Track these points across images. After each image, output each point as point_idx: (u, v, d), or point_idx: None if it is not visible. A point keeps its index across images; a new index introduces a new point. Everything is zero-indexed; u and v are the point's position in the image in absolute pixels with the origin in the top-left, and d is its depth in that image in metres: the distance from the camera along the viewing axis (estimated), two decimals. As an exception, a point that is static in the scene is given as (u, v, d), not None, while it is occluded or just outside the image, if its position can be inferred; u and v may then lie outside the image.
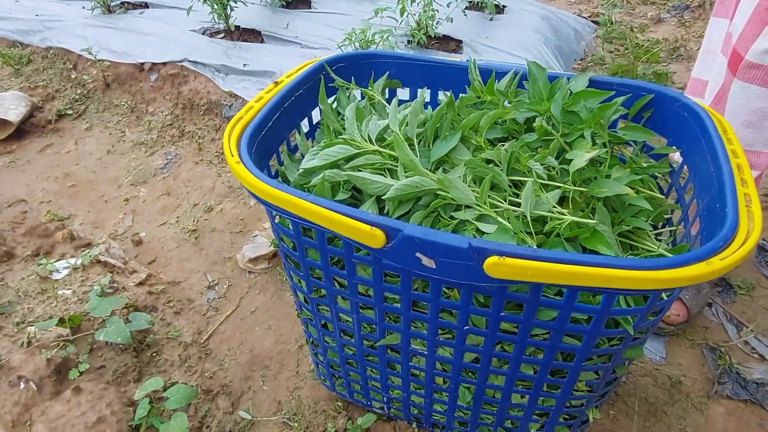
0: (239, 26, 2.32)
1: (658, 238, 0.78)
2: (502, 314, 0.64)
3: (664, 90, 0.78)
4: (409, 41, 2.16)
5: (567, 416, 0.84)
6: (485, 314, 0.65)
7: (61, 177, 1.85)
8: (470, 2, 2.54)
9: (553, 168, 0.73)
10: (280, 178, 0.84)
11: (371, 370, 0.89)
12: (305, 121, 0.90)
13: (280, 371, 1.17)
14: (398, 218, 0.71)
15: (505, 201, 0.69)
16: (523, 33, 2.26)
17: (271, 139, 0.78)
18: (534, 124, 0.77)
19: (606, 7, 2.87)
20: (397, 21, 2.17)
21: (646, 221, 0.71)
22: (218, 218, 1.62)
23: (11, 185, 1.80)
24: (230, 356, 1.20)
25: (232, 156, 0.67)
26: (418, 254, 0.58)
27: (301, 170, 0.77)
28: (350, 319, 0.80)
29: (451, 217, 0.69)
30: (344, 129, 0.80)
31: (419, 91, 0.93)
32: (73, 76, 2.28)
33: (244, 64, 2.00)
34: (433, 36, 2.16)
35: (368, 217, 0.58)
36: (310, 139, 0.94)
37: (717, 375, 1.09)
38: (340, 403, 1.07)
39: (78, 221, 1.63)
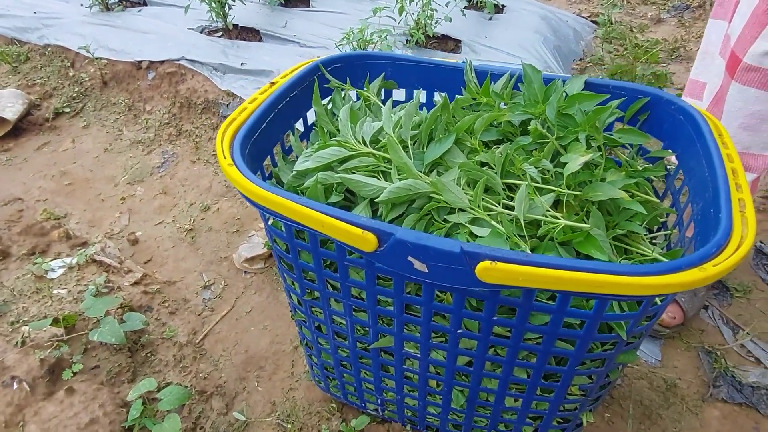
0: (237, 25, 2.31)
1: (653, 241, 0.78)
2: (495, 318, 0.64)
3: (660, 93, 0.78)
4: (407, 41, 2.16)
5: (560, 420, 0.83)
6: (478, 318, 0.65)
7: (58, 175, 1.84)
8: (469, 1, 2.53)
9: (548, 171, 0.72)
10: (274, 180, 0.84)
11: (365, 372, 0.89)
12: (300, 122, 0.90)
13: (275, 372, 1.16)
14: (391, 221, 0.71)
15: (499, 204, 0.68)
16: (522, 33, 2.25)
17: (264, 141, 0.78)
18: (529, 127, 0.76)
19: (606, 7, 2.86)
20: (395, 20, 2.16)
21: (641, 225, 0.71)
22: (215, 218, 1.61)
23: (8, 183, 1.80)
24: (225, 357, 1.20)
25: (225, 158, 0.67)
26: (410, 258, 0.58)
27: (294, 172, 0.76)
28: (344, 322, 0.79)
29: (445, 220, 0.69)
30: (338, 131, 0.79)
31: (415, 92, 0.93)
32: (70, 74, 2.28)
33: (242, 63, 2.00)
34: (431, 35, 2.15)
35: (360, 221, 0.58)
36: (305, 140, 0.94)
37: (712, 378, 1.09)
38: (334, 405, 1.07)
39: (74, 220, 1.63)
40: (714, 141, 0.67)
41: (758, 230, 1.43)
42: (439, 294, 0.69)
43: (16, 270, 1.37)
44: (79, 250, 1.44)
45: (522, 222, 0.65)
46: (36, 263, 1.35)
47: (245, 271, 1.42)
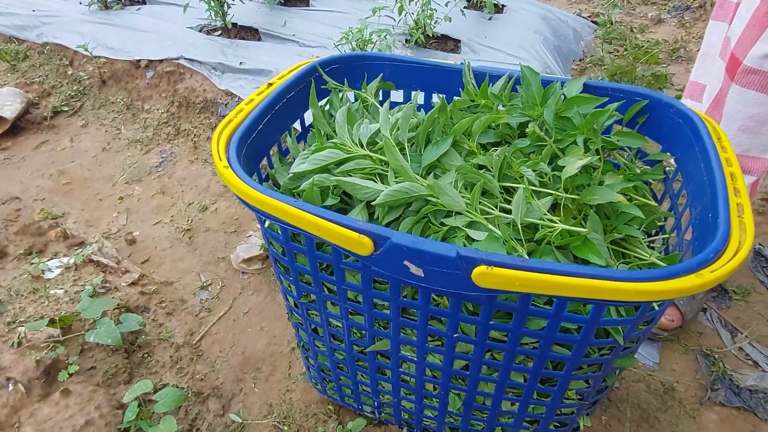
0: (236, 24, 2.31)
1: (651, 245, 0.77)
2: (492, 323, 0.63)
3: (659, 96, 0.77)
4: (407, 40, 2.15)
5: (557, 423, 0.83)
6: (474, 322, 0.65)
7: (56, 174, 1.84)
8: (469, 1, 2.52)
9: (546, 174, 0.72)
10: (270, 182, 0.84)
11: (362, 375, 0.89)
12: (297, 123, 0.89)
13: (272, 373, 1.16)
14: (388, 224, 0.70)
15: (497, 207, 0.68)
16: (522, 33, 2.24)
17: (261, 142, 0.77)
18: (527, 130, 0.76)
19: (606, 7, 2.85)
20: (395, 20, 2.15)
21: (639, 229, 0.70)
22: (212, 218, 1.61)
23: (6, 182, 1.79)
24: (222, 358, 1.20)
25: (221, 160, 0.67)
26: (406, 262, 0.58)
27: (290, 174, 0.76)
28: (340, 325, 0.79)
29: (442, 224, 0.68)
30: (335, 133, 0.79)
31: (413, 93, 0.93)
32: (69, 73, 2.27)
33: (241, 63, 1.99)
34: (431, 35, 2.15)
35: (356, 225, 0.57)
36: (303, 141, 0.93)
37: (710, 381, 1.09)
38: (331, 407, 1.06)
39: (72, 219, 1.63)
40: (713, 144, 0.67)
41: (757, 233, 1.42)
42: (436, 298, 0.69)
43: (13, 270, 1.36)
44: (77, 250, 1.44)
45: (519, 226, 0.64)
46: (33, 263, 1.35)
47: (243, 272, 1.42)
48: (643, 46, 2.42)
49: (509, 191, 0.71)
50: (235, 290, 1.37)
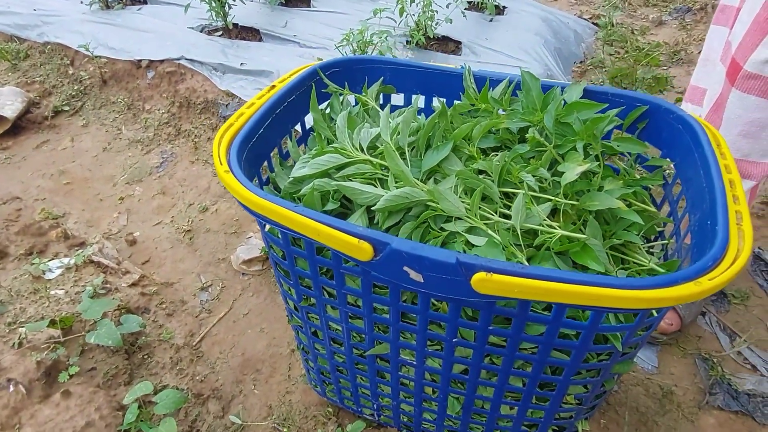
0: (237, 24, 2.31)
1: (650, 251, 0.77)
2: (491, 328, 0.64)
3: (659, 101, 0.77)
4: (407, 42, 2.15)
5: (556, 427, 0.83)
6: (474, 327, 0.65)
7: (57, 174, 1.84)
8: (470, 3, 2.52)
9: (545, 180, 0.72)
10: (271, 186, 0.84)
11: (361, 378, 0.89)
12: (298, 127, 0.89)
13: (271, 375, 1.16)
14: (388, 229, 0.71)
15: (496, 213, 0.68)
16: (523, 35, 2.24)
17: (262, 146, 0.78)
18: (527, 135, 0.76)
19: (607, 9, 2.85)
20: (395, 21, 2.15)
21: (638, 235, 0.70)
22: (213, 219, 1.61)
23: (6, 182, 1.80)
24: (222, 359, 1.20)
25: (221, 164, 0.67)
26: (405, 268, 0.58)
27: (291, 178, 0.76)
28: (340, 328, 0.79)
29: (442, 229, 0.69)
30: (336, 137, 0.79)
31: (413, 97, 0.93)
32: (70, 72, 2.27)
33: (242, 63, 1.99)
34: (432, 37, 2.15)
35: (356, 230, 0.57)
36: (303, 143, 0.93)
37: (708, 385, 1.09)
38: (330, 409, 1.07)
39: (72, 220, 1.63)
40: (712, 151, 0.67)
41: (757, 236, 1.43)
42: (435, 302, 0.69)
43: (14, 270, 1.36)
44: (77, 250, 1.44)
45: (518, 231, 0.65)
46: (34, 263, 1.35)
47: (243, 273, 1.42)
48: (643, 49, 2.42)
49: (509, 196, 0.71)
50: (235, 291, 1.37)
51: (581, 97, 0.79)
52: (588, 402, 0.76)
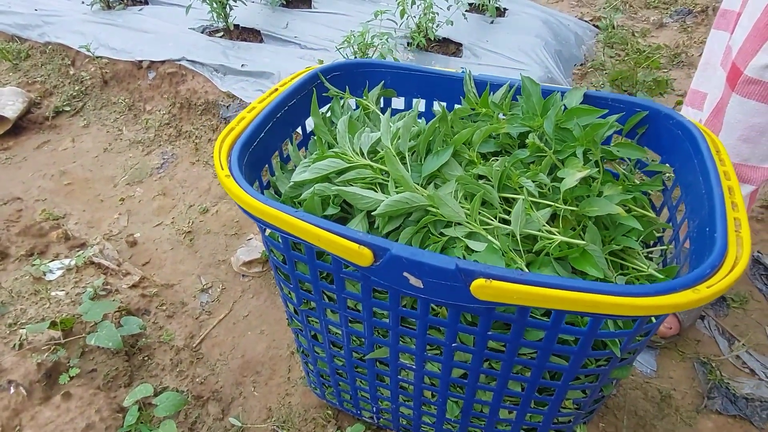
0: (238, 25, 2.31)
1: (649, 255, 0.78)
2: (490, 333, 0.64)
3: (658, 107, 0.78)
4: (408, 44, 2.15)
5: None
6: (473, 332, 0.65)
7: (58, 175, 1.84)
8: (471, 5, 2.52)
9: (545, 185, 0.72)
10: (271, 189, 0.84)
11: (361, 381, 0.89)
12: (299, 130, 0.90)
13: (271, 377, 1.17)
14: (388, 233, 0.71)
15: (496, 218, 0.69)
16: (524, 37, 2.25)
17: (263, 150, 0.78)
18: (527, 141, 0.76)
19: (608, 11, 2.85)
20: (396, 23, 2.15)
21: (637, 240, 0.71)
22: (213, 220, 1.61)
23: (7, 182, 1.80)
24: (222, 361, 1.20)
25: (222, 169, 0.67)
26: (405, 274, 0.58)
27: (291, 183, 0.76)
28: (340, 332, 0.80)
29: (441, 234, 0.69)
30: (336, 141, 0.79)
31: (414, 101, 0.93)
32: (71, 73, 2.28)
33: (243, 65, 2.00)
34: (432, 39, 2.15)
35: (356, 236, 0.58)
36: (304, 147, 0.94)
37: (707, 389, 1.09)
38: (330, 412, 1.07)
39: (73, 220, 1.63)
40: (711, 158, 0.68)
41: (757, 240, 1.43)
42: (435, 308, 0.69)
43: (15, 271, 1.37)
44: (78, 251, 1.45)
45: (518, 237, 0.65)
46: (34, 264, 1.35)
47: (243, 275, 1.42)
48: (644, 51, 2.42)
49: (509, 201, 0.72)
50: (235, 293, 1.37)
51: (581, 103, 0.80)
52: (586, 407, 0.76)
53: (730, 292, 1.30)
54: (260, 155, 0.77)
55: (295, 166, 0.82)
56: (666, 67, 2.36)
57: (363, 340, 0.78)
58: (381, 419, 0.99)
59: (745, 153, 1.03)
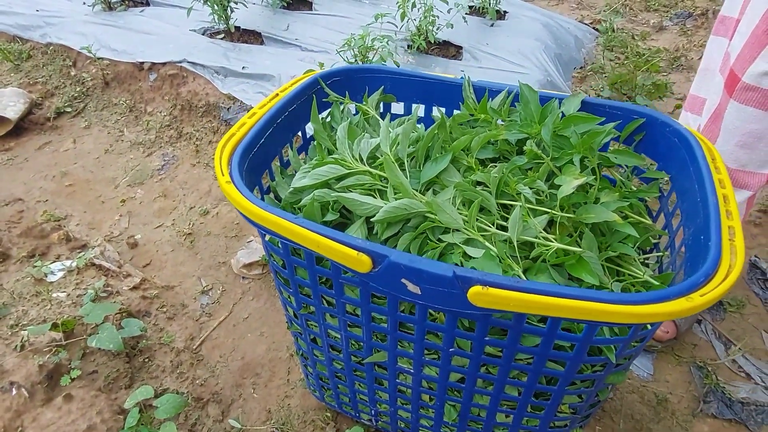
0: (239, 27, 2.32)
1: (646, 262, 0.78)
2: (487, 339, 0.65)
3: (655, 114, 0.78)
4: (408, 46, 2.16)
5: (551, 435, 0.84)
6: (470, 338, 0.66)
7: (59, 176, 1.85)
8: (471, 7, 2.53)
9: (542, 192, 0.73)
10: (272, 194, 0.85)
11: (359, 384, 0.90)
12: (299, 134, 0.90)
13: (271, 379, 1.17)
14: (387, 239, 0.72)
15: (494, 225, 0.69)
16: (524, 40, 2.25)
17: (263, 155, 0.79)
18: (525, 147, 0.77)
19: (608, 14, 2.86)
20: (396, 26, 2.16)
21: (633, 247, 0.71)
22: (214, 222, 1.62)
23: (9, 183, 1.81)
24: (222, 363, 1.21)
25: (223, 175, 0.68)
26: (403, 280, 0.59)
27: (291, 189, 0.77)
28: (339, 336, 0.80)
29: (440, 240, 0.70)
30: (336, 147, 0.80)
31: (413, 107, 0.94)
32: (72, 74, 2.28)
33: (243, 67, 2.00)
34: (433, 41, 2.16)
35: (355, 242, 0.58)
36: (304, 152, 0.94)
37: (703, 393, 1.10)
38: (329, 414, 1.08)
39: (74, 222, 1.64)
40: (707, 166, 0.68)
41: (754, 245, 1.43)
42: (432, 313, 0.70)
43: (16, 272, 1.38)
44: (79, 253, 1.45)
45: (515, 243, 0.66)
46: (36, 266, 1.36)
47: (243, 277, 1.43)
48: (644, 54, 2.43)
49: (506, 208, 0.72)
50: (235, 295, 1.38)
51: (579, 110, 0.81)
52: (583, 411, 0.77)
53: (726, 296, 1.31)
54: (261, 160, 0.78)
55: (295, 171, 0.83)
56: (666, 70, 2.36)
57: (362, 344, 0.78)
58: (379, 422, 1.00)
59: (742, 159, 1.04)
